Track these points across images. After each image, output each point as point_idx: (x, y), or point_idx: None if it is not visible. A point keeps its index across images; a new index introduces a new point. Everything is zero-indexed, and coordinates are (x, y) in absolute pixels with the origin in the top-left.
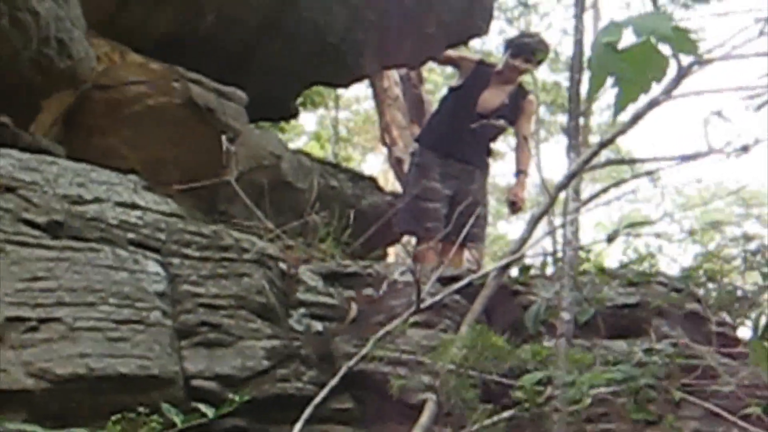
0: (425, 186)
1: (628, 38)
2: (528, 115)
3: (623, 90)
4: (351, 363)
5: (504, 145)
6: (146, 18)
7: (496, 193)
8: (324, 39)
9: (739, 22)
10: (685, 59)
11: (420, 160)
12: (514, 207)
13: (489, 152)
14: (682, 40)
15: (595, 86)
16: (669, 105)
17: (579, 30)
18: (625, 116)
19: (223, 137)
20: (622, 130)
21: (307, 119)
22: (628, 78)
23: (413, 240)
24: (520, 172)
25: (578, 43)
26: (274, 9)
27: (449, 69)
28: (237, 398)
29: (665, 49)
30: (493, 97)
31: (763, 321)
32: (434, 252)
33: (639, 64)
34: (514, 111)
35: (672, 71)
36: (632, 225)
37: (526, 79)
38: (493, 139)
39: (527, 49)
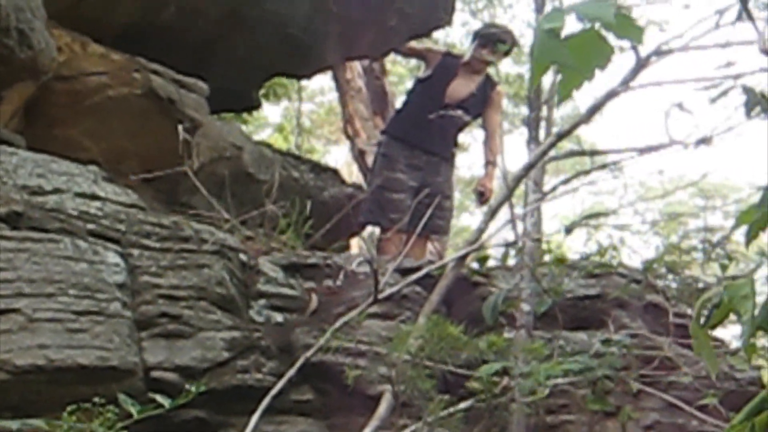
0: (390, 177)
1: (577, 26)
2: (496, 106)
3: (566, 78)
4: (309, 354)
5: (468, 136)
6: (107, 8)
7: (460, 185)
8: (286, 30)
9: (701, 13)
10: (644, 50)
11: (386, 151)
12: (482, 198)
13: (455, 143)
14: (627, 27)
15: (537, 74)
16: (633, 96)
17: (539, 20)
18: (584, 107)
19: (180, 127)
20: (580, 122)
21: (272, 111)
22: (571, 66)
23: (377, 231)
24: (489, 163)
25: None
26: (236, 0)
27: (413, 61)
28: (194, 389)
29: (615, 37)
30: (460, 88)
31: (707, 308)
32: (398, 243)
33: (583, 52)
34: (483, 102)
35: (631, 62)
36: (590, 216)
37: (491, 70)
38: (461, 130)
39: (494, 40)
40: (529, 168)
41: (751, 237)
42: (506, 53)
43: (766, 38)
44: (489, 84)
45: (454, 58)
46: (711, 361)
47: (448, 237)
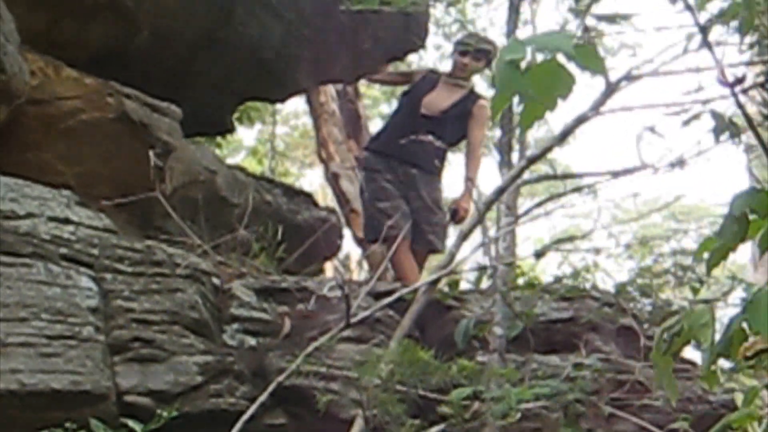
0: (377, 187)
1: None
2: (478, 121)
3: (527, 108)
4: (281, 378)
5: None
6: (80, 32)
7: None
8: (259, 54)
9: (673, 37)
10: (615, 74)
11: (366, 164)
12: (456, 217)
13: (443, 157)
14: (587, 57)
15: (499, 104)
16: (606, 119)
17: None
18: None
19: (151, 152)
20: (551, 146)
21: (246, 135)
22: (532, 97)
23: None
24: (467, 180)
25: None
26: (210, 24)
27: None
28: (166, 413)
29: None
30: (439, 99)
31: (665, 335)
32: (406, 250)
33: (544, 81)
34: (464, 115)
35: (601, 86)
36: (562, 240)
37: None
38: (453, 144)
39: (474, 48)
40: (500, 192)
41: (711, 265)
42: (488, 62)
43: (724, 67)
44: (471, 98)
45: (436, 74)
46: (671, 388)
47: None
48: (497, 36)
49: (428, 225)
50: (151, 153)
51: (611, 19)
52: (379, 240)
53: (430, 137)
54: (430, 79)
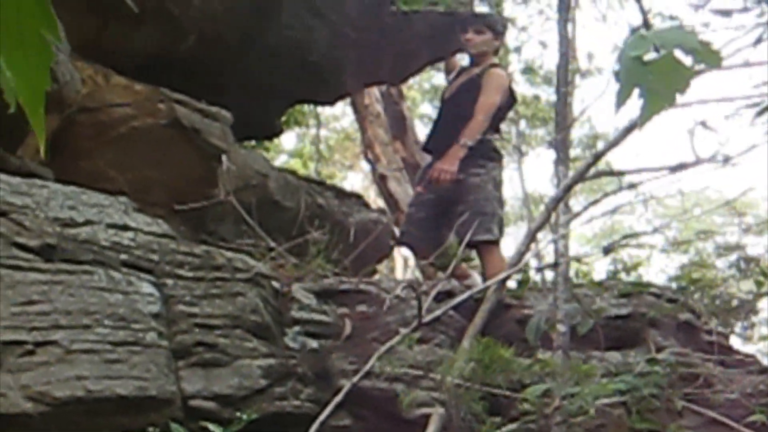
0: (415, 191)
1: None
2: (486, 87)
3: (649, 101)
4: (355, 379)
5: None
6: (128, 39)
7: None
8: (305, 57)
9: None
10: None
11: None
12: (431, 177)
13: (484, 147)
14: (707, 53)
15: (623, 98)
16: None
17: (563, 43)
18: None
19: (224, 158)
20: (616, 142)
21: (286, 137)
22: (654, 90)
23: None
24: (454, 144)
25: (563, 56)
26: (255, 28)
27: (427, 84)
28: (245, 417)
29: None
30: (455, 84)
31: None
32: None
33: (664, 76)
34: (475, 88)
35: None
36: (627, 237)
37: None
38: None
39: (474, 22)
40: (568, 189)
41: None
42: (496, 34)
43: None
44: (483, 70)
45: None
46: None
47: (496, 244)
48: (538, 32)
49: (456, 217)
50: (224, 158)
51: (726, 13)
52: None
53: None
54: (459, 71)
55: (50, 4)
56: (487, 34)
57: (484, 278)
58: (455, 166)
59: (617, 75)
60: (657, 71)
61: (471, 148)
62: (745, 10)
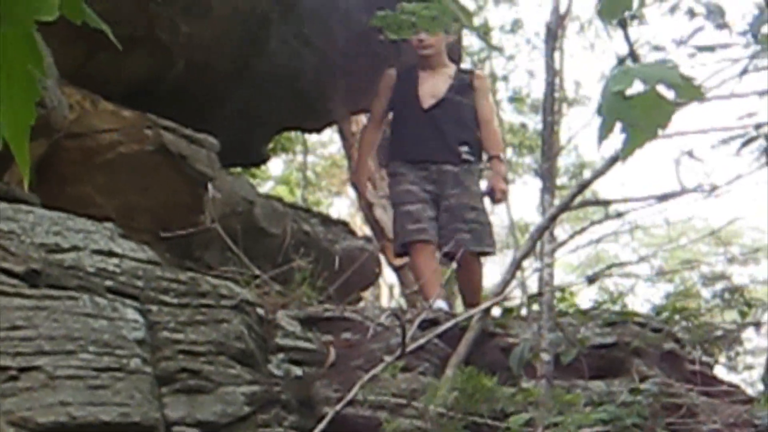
0: (400, 190)
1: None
2: (483, 92)
3: (631, 136)
4: (338, 407)
5: None
6: (116, 66)
7: None
8: (293, 84)
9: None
10: None
11: (391, 170)
12: (493, 197)
13: (471, 145)
14: (689, 88)
15: (605, 132)
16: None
17: (550, 72)
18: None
19: (209, 186)
20: (601, 172)
21: (273, 164)
22: (636, 125)
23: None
24: (493, 158)
25: (549, 85)
26: (244, 55)
27: None
28: None
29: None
30: (432, 88)
31: None
32: (429, 255)
33: (646, 111)
34: (467, 93)
35: None
36: (612, 266)
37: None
38: (471, 131)
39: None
40: (553, 218)
41: None
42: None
43: None
44: (465, 73)
45: (407, 66)
46: None
47: (494, 251)
48: (526, 61)
49: (462, 223)
50: (209, 186)
51: (709, 49)
52: (406, 249)
53: (461, 123)
54: (407, 74)
55: (37, 38)
56: (439, 34)
57: (462, 289)
58: (506, 183)
59: (599, 109)
60: (639, 106)
61: (472, 155)
62: (727, 45)
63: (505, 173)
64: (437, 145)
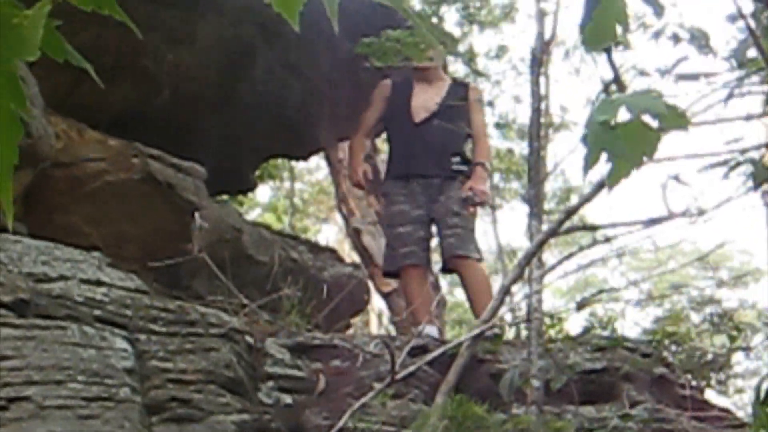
0: (392, 211)
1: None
2: (477, 106)
3: (617, 165)
4: None
5: None
6: (102, 94)
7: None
8: (280, 112)
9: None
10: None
11: (384, 191)
12: (474, 201)
13: (461, 159)
14: (674, 117)
15: (591, 162)
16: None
17: (536, 98)
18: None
19: (197, 215)
20: (589, 197)
21: (260, 191)
22: (621, 154)
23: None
24: (477, 165)
25: (536, 111)
26: (230, 83)
27: None
28: None
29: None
30: (425, 101)
31: (765, 385)
32: (419, 279)
33: (631, 140)
34: (460, 107)
35: None
36: (601, 292)
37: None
38: (463, 142)
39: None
40: (541, 244)
41: None
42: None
43: None
44: (460, 86)
45: (401, 75)
46: None
47: (479, 257)
48: (512, 86)
49: (447, 228)
50: (197, 216)
51: (694, 77)
52: (396, 272)
53: (450, 136)
54: (402, 86)
55: (23, 68)
56: (437, 47)
57: (469, 300)
58: (488, 187)
59: (585, 139)
60: (624, 136)
61: (463, 164)
62: (711, 74)
63: (485, 178)
64: (425, 160)
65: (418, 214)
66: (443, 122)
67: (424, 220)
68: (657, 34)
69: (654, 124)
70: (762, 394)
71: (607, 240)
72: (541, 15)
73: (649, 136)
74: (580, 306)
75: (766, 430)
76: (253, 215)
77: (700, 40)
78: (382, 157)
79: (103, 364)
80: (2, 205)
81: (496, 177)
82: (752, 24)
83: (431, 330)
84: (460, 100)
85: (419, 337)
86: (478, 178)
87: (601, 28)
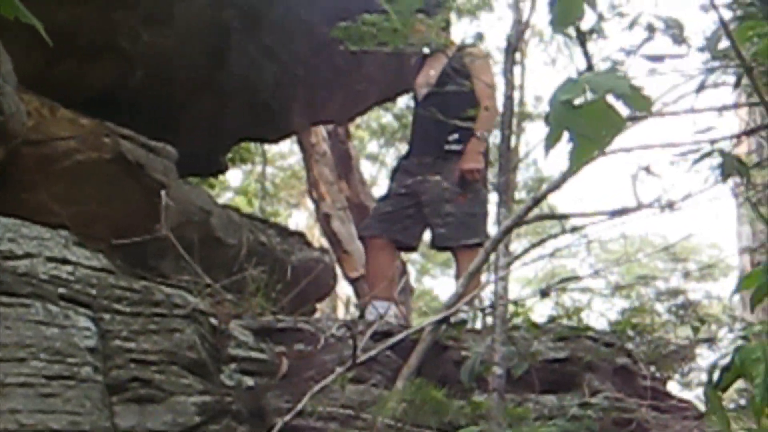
0: (390, 193)
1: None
2: (477, 71)
3: (579, 146)
4: (287, 418)
5: None
6: (76, 73)
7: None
8: (253, 95)
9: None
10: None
11: (395, 169)
12: (466, 181)
13: (459, 134)
14: (637, 98)
15: (552, 141)
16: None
17: (509, 86)
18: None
19: (163, 193)
20: (555, 186)
21: (232, 174)
22: (584, 134)
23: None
24: (473, 136)
25: (508, 99)
26: (204, 65)
27: (374, 124)
28: None
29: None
30: (427, 76)
31: (717, 371)
32: (378, 254)
33: (595, 121)
34: (461, 75)
35: None
36: (565, 280)
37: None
38: (464, 112)
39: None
40: (506, 232)
41: (755, 301)
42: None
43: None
44: (459, 55)
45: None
46: (723, 421)
47: (473, 242)
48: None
49: (438, 217)
50: (163, 194)
51: (659, 58)
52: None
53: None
54: (418, 61)
55: None
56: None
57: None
58: (481, 162)
59: (547, 118)
60: (587, 116)
61: (459, 142)
62: (678, 56)
63: (479, 150)
64: (427, 138)
65: (403, 192)
66: (440, 97)
67: (411, 200)
68: (632, 24)
69: (620, 107)
70: (714, 378)
71: (575, 229)
72: (518, 1)
73: (613, 116)
74: (544, 293)
75: (719, 413)
76: (224, 199)
77: (675, 30)
78: (356, 143)
79: (66, 343)
80: None
81: None
82: (726, 14)
83: (381, 305)
84: (460, 70)
85: (382, 322)
86: (469, 154)
87: (569, 6)
